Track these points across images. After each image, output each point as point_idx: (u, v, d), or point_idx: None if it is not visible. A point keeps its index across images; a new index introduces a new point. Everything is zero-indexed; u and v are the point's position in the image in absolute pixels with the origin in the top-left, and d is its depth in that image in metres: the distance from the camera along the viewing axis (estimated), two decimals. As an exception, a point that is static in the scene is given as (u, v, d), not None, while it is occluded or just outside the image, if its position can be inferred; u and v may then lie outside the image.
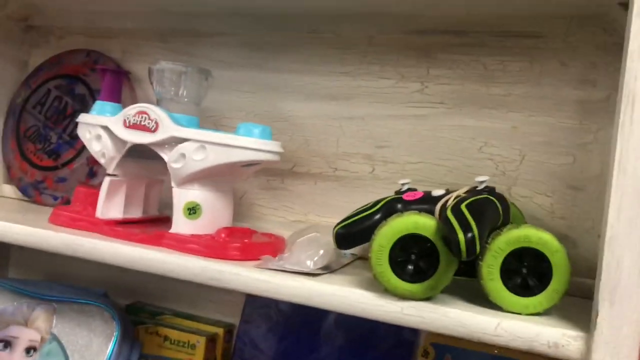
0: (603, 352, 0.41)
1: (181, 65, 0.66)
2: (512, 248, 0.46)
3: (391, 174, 0.70)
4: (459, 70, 0.68)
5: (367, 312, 0.49)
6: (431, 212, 0.50)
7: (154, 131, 0.62)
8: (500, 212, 0.50)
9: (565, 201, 0.63)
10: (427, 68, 0.69)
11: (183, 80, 0.66)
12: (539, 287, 0.47)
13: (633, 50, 0.42)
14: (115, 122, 0.64)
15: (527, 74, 0.65)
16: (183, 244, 0.59)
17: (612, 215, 0.41)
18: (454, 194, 0.51)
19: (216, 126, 0.79)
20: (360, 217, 0.53)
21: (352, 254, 0.66)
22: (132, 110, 0.63)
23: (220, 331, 0.74)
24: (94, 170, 0.81)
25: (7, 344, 0.68)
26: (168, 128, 0.61)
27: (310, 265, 0.54)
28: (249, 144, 0.59)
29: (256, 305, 0.74)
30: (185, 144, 0.60)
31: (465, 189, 0.53)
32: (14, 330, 0.68)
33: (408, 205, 0.53)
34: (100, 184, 0.66)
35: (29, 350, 0.67)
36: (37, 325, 0.68)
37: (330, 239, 0.57)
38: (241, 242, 0.59)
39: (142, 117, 0.62)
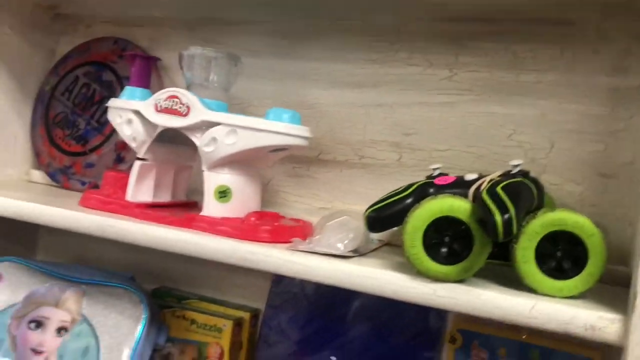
0: (641, 335, 0.41)
1: (211, 50, 0.67)
2: (547, 231, 0.46)
3: (418, 161, 0.70)
4: (488, 58, 0.68)
5: (399, 294, 0.49)
6: (464, 196, 0.50)
7: (185, 115, 0.62)
8: (535, 195, 0.50)
9: (596, 189, 0.63)
10: (455, 55, 0.69)
11: (213, 65, 0.67)
12: (573, 270, 0.46)
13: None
14: (147, 107, 0.64)
15: (557, 61, 0.65)
16: (214, 226, 0.59)
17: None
18: (488, 178, 0.51)
19: (243, 113, 0.79)
20: (392, 201, 0.53)
21: (380, 240, 0.66)
22: (163, 94, 0.64)
23: (246, 315, 0.75)
24: (121, 156, 0.82)
25: (39, 324, 0.69)
26: (199, 112, 0.62)
27: (341, 247, 0.55)
28: (279, 129, 0.60)
29: (282, 290, 0.74)
30: (217, 128, 0.61)
31: (499, 172, 0.53)
32: (45, 311, 0.69)
33: (440, 190, 0.53)
34: (127, 169, 0.67)
35: (60, 330, 0.68)
36: (67, 306, 0.69)
37: (359, 224, 0.57)
38: (271, 225, 0.60)
39: (173, 102, 0.63)
